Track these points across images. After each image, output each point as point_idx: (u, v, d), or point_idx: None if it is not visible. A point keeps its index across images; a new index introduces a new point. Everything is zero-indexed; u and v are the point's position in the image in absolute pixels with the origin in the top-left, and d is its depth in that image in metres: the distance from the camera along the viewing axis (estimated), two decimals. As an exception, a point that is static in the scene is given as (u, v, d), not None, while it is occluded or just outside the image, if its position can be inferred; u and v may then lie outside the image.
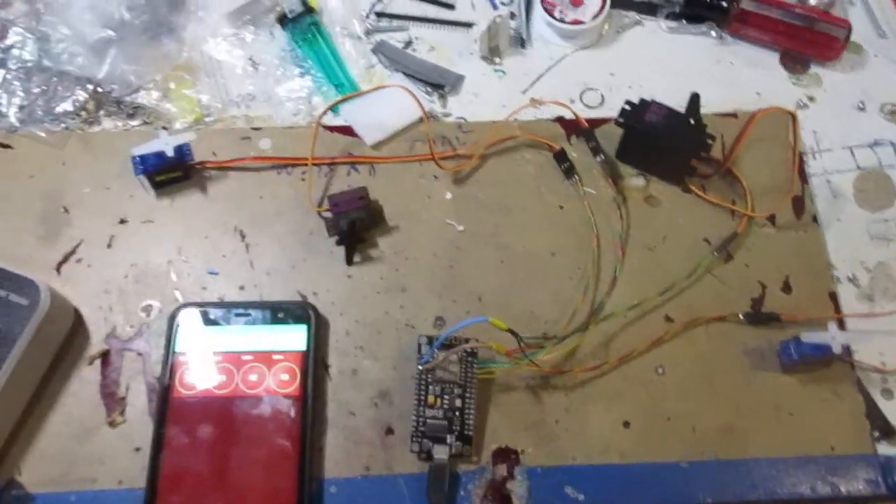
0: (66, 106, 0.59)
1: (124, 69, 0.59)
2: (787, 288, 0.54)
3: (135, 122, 0.59)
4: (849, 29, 0.61)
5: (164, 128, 0.59)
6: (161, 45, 0.60)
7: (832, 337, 0.49)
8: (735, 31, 0.63)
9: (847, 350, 0.51)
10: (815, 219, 0.56)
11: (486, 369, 0.49)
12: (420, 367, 0.48)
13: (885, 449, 0.49)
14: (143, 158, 0.54)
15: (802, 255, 0.55)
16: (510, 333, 0.47)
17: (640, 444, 0.49)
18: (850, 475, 0.49)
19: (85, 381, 0.50)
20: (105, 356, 0.51)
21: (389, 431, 0.49)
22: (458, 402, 0.48)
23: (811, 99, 0.62)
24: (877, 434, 0.50)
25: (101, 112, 0.59)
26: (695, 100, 0.54)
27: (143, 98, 0.59)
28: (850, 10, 0.65)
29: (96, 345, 0.51)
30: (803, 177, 0.58)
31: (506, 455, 0.49)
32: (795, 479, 0.48)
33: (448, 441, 0.47)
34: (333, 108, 0.58)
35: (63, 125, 0.58)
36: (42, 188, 0.56)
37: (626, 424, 0.50)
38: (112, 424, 0.49)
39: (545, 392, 0.50)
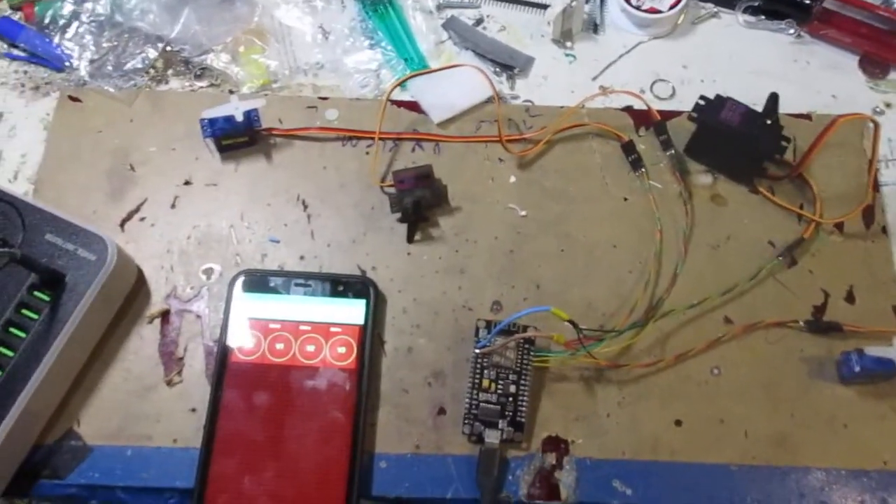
0: (135, 63, 0.59)
1: (196, 30, 0.59)
2: (850, 298, 0.53)
3: (202, 84, 0.59)
4: (934, 36, 0.59)
5: (232, 91, 0.59)
6: (234, 7, 0.60)
7: (897, 352, 0.48)
8: (815, 31, 0.62)
9: (909, 367, 0.50)
10: (884, 229, 0.55)
11: (541, 357, 0.49)
12: (477, 351, 0.48)
13: (939, 469, 0.49)
14: (211, 122, 0.54)
15: (868, 266, 0.54)
16: (570, 324, 0.47)
17: (691, 443, 0.49)
18: (902, 492, 0.48)
19: (145, 339, 0.50)
20: (165, 316, 0.51)
21: (441, 412, 0.49)
22: (512, 388, 0.48)
23: (888, 105, 0.60)
24: (932, 453, 0.49)
25: (170, 71, 0.60)
26: (773, 100, 0.52)
27: (211, 60, 0.59)
28: (935, 15, 0.63)
29: (157, 304, 0.52)
30: (875, 186, 0.56)
31: (556, 444, 0.49)
32: (845, 492, 0.48)
33: (500, 426, 0.48)
34: (402, 84, 0.58)
35: (132, 82, 0.59)
36: (110, 144, 0.56)
37: (679, 423, 0.49)
38: (169, 384, 0.49)
39: (599, 385, 0.50)
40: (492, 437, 0.47)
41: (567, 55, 0.62)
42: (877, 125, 0.52)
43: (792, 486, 0.48)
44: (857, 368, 0.49)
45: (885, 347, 0.48)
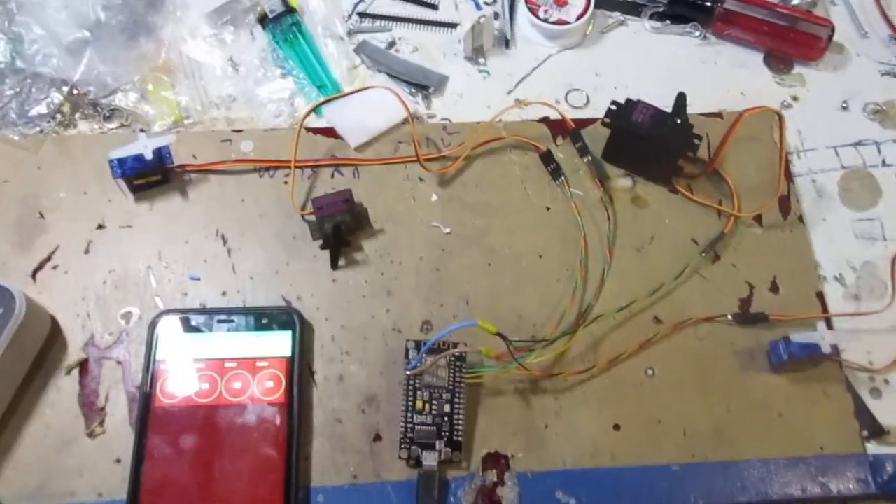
0: (40, 108, 0.57)
1: (101, 70, 0.57)
2: (774, 288, 0.54)
3: (112, 125, 0.58)
4: (831, 28, 0.61)
5: (143, 130, 0.57)
6: (138, 45, 0.59)
7: (821, 336, 0.48)
8: (719, 31, 0.63)
9: (835, 349, 0.50)
10: (800, 218, 0.56)
11: (474, 373, 0.49)
12: (408, 372, 0.48)
13: (874, 448, 0.49)
14: (121, 161, 0.53)
15: (789, 255, 0.55)
16: (499, 337, 0.46)
17: (630, 446, 0.49)
18: (841, 475, 0.48)
19: (63, 390, 0.48)
20: (83, 365, 0.49)
21: (377, 438, 0.48)
22: (446, 408, 0.47)
23: (795, 99, 0.62)
24: (865, 433, 0.50)
25: (77, 115, 0.58)
26: (681, 99, 0.53)
27: (120, 100, 0.58)
28: (832, 10, 0.65)
29: (74, 353, 0.50)
30: (789, 176, 0.58)
31: (496, 460, 0.48)
32: (786, 480, 0.48)
33: (437, 447, 0.47)
34: (316, 110, 0.57)
35: (38, 128, 0.57)
36: (16, 193, 0.54)
37: (617, 427, 0.49)
38: (91, 435, 0.47)
39: (534, 396, 0.50)
40: (429, 460, 0.47)
41: (481, 71, 0.62)
42: (781, 117, 0.54)
43: (733, 480, 0.48)
44: (785, 356, 0.49)
45: (810, 332, 0.49)
